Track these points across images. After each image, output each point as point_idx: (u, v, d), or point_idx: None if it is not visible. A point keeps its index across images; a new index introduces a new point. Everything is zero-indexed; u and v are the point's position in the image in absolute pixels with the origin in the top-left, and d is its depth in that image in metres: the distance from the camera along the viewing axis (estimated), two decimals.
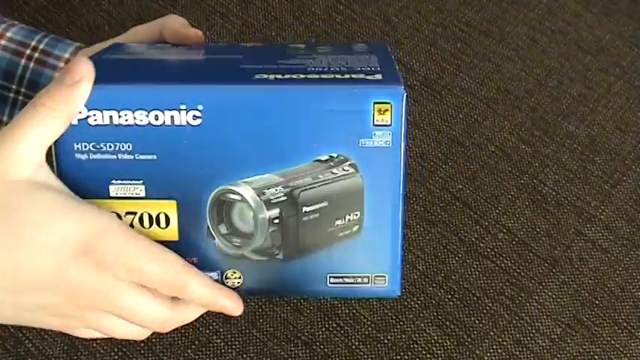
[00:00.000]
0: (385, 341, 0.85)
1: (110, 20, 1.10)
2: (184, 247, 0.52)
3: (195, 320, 0.85)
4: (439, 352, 0.85)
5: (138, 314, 0.50)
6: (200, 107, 0.49)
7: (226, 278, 0.52)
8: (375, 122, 0.49)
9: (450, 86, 1.05)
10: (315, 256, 0.52)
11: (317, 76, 0.50)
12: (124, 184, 0.50)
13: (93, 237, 0.47)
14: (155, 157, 0.50)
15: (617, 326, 0.87)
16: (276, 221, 0.50)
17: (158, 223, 0.51)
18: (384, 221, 0.51)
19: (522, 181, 0.97)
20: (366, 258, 0.51)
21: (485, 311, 0.88)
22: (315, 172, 0.50)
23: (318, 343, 0.85)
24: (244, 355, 0.84)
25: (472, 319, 0.87)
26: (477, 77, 1.06)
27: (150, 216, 0.51)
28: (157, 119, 0.49)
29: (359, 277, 0.52)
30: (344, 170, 0.50)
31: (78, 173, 0.50)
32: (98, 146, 0.49)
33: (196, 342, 0.84)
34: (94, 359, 0.83)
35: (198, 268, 0.51)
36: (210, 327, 0.85)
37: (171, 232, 0.51)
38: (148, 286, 0.50)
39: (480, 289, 0.89)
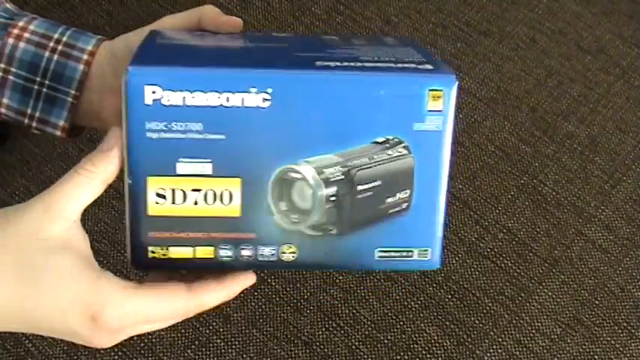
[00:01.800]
0: (385, 341, 0.85)
1: (110, 20, 1.09)
2: (244, 223, 0.54)
3: (196, 320, 0.85)
4: (439, 352, 0.85)
5: (155, 330, 0.57)
6: (269, 90, 0.51)
7: (282, 253, 0.54)
8: (429, 108, 0.52)
9: None
10: (366, 231, 0.55)
11: (373, 65, 0.53)
12: (191, 162, 0.52)
13: (95, 307, 0.51)
14: (224, 136, 0.52)
15: (617, 326, 0.87)
16: (333, 198, 0.53)
17: (221, 200, 0.54)
18: (430, 199, 0.54)
19: (522, 181, 0.97)
20: (413, 233, 0.55)
21: (485, 311, 0.87)
22: (371, 152, 0.53)
23: (318, 343, 0.85)
24: (244, 355, 0.84)
25: (472, 319, 0.87)
26: (477, 77, 1.06)
27: (214, 193, 0.53)
28: (227, 101, 0.52)
29: (405, 251, 0.55)
30: (398, 152, 0.53)
31: (147, 151, 0.52)
32: (169, 125, 0.52)
33: (196, 342, 0.84)
34: (94, 359, 0.83)
35: (255, 243, 0.54)
36: (210, 327, 0.85)
37: (234, 209, 0.54)
38: (163, 324, 0.54)
39: (480, 289, 0.89)
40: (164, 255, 0.53)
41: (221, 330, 0.85)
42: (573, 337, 0.86)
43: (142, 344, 0.84)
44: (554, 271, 0.91)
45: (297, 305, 0.87)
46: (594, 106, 1.04)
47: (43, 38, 0.64)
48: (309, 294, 0.87)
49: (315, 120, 0.52)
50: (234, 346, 0.84)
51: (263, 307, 0.86)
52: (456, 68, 1.06)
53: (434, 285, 0.89)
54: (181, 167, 0.52)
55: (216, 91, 0.52)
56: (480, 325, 0.87)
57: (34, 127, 0.65)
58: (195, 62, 0.52)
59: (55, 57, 0.63)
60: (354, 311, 0.87)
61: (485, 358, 0.85)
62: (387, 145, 0.53)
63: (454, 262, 0.91)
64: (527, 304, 0.88)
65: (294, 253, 0.55)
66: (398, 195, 0.54)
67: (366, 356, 0.84)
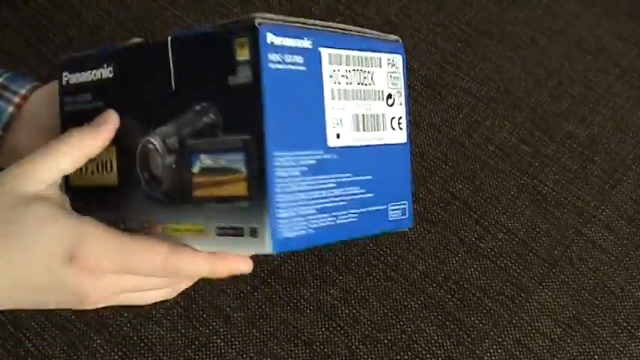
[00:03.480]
0: (385, 341, 0.85)
1: (110, 20, 1.09)
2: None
3: (195, 320, 0.85)
4: (439, 352, 0.85)
5: (142, 290, 0.55)
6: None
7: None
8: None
9: (450, 86, 1.05)
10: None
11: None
12: None
13: (74, 244, 0.50)
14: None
15: (617, 326, 0.87)
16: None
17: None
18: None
19: (522, 181, 0.97)
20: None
21: (485, 311, 0.87)
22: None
23: (318, 343, 0.85)
24: (244, 355, 0.84)
25: (472, 319, 0.87)
26: (477, 77, 1.06)
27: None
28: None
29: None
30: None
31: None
32: None
33: (196, 342, 0.84)
34: (94, 359, 0.83)
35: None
36: (210, 327, 0.85)
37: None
38: (141, 276, 0.53)
39: (480, 289, 0.89)
40: None
41: (221, 330, 0.85)
42: (573, 337, 0.86)
43: (142, 344, 0.84)
44: (554, 271, 0.91)
45: (297, 305, 0.87)
46: (594, 106, 1.04)
47: None
48: (309, 294, 0.87)
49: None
50: (234, 346, 0.84)
51: (263, 307, 0.86)
52: (456, 68, 1.06)
53: (434, 285, 0.89)
54: None
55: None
56: (480, 325, 0.87)
57: None
58: None
59: None
60: (354, 311, 0.87)
61: (485, 358, 0.85)
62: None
63: (454, 262, 0.91)
64: (527, 304, 0.88)
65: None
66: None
67: (366, 356, 0.84)
